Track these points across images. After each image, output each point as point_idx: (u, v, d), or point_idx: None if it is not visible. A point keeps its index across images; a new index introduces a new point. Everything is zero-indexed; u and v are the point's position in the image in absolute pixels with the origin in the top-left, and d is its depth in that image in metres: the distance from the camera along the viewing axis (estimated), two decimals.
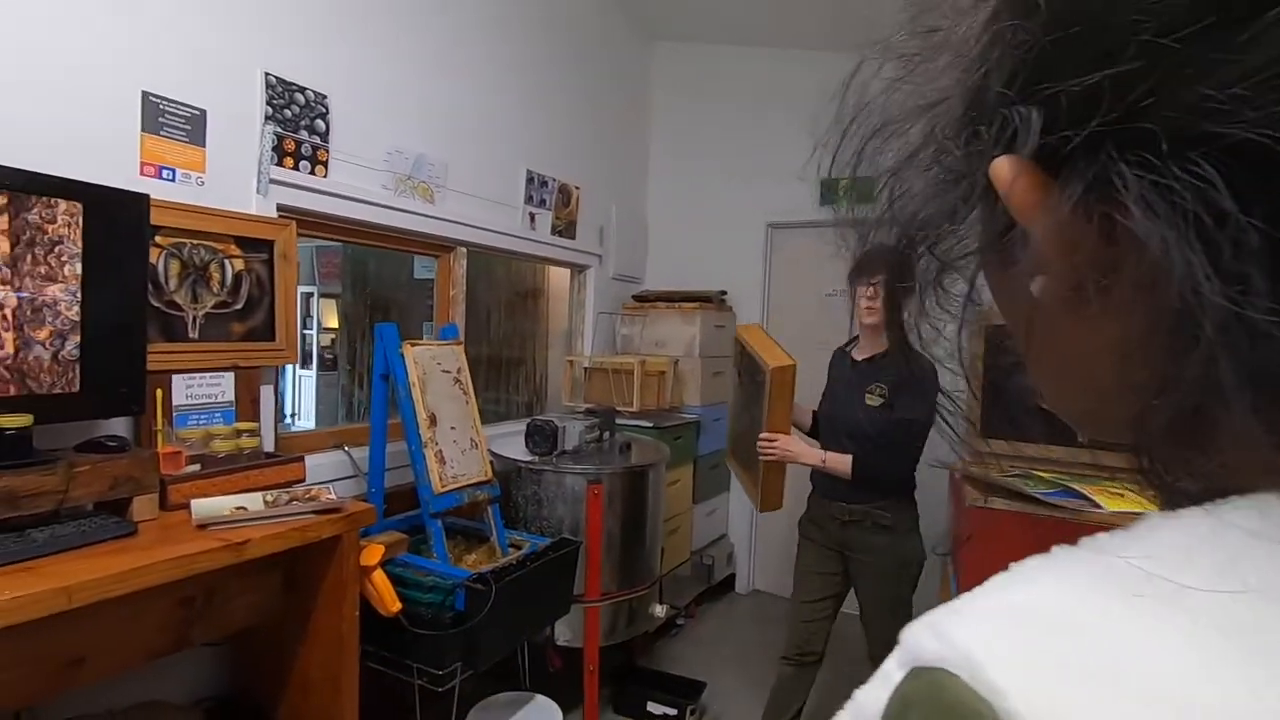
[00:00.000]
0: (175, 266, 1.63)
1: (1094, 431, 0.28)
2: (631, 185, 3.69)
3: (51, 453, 1.28)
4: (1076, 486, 1.39)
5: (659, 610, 2.52)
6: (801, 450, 1.87)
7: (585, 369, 3.23)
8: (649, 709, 2.37)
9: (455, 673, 1.71)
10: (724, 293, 3.57)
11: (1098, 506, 1.31)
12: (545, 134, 2.97)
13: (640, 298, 3.54)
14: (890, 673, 0.23)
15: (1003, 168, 0.23)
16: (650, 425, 2.96)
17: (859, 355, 1.95)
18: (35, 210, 1.27)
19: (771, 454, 1.86)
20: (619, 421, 2.85)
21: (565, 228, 3.12)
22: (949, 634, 0.21)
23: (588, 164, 3.27)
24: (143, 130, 1.58)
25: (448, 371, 2.06)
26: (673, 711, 2.35)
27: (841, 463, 1.84)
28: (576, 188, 3.16)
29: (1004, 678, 0.19)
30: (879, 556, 1.92)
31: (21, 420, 1.21)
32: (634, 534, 2.42)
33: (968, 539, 1.28)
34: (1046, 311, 0.25)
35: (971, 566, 1.30)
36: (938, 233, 0.29)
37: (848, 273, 1.95)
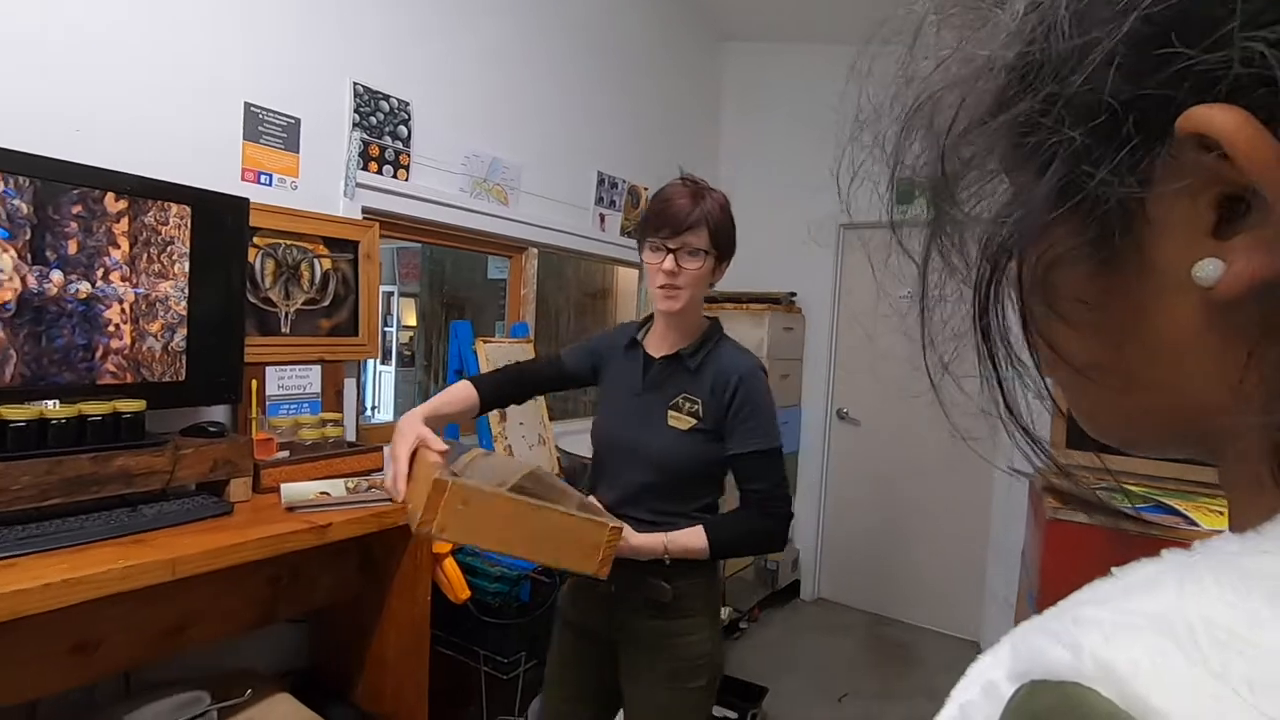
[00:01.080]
0: (270, 265, 1.74)
1: (1153, 451, 0.26)
2: None
3: (161, 436, 1.39)
4: (1172, 502, 1.30)
5: (722, 612, 2.51)
6: (638, 542, 1.15)
7: None
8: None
9: (520, 661, 1.76)
10: (793, 294, 3.51)
11: (1194, 524, 1.22)
12: (616, 136, 3.01)
13: (708, 299, 3.53)
14: (996, 684, 0.21)
15: (1227, 120, 0.19)
16: None
17: (655, 349, 1.27)
18: (151, 213, 1.39)
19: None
20: None
21: (634, 228, 3.15)
22: (1081, 644, 0.19)
23: (657, 165, 3.28)
24: (244, 138, 1.70)
25: None
26: (733, 715, 2.33)
27: (690, 542, 1.17)
28: (645, 189, 3.18)
29: (1160, 697, 0.17)
30: (648, 655, 1.23)
31: (137, 405, 1.33)
32: None
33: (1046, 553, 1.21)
34: (1209, 308, 0.21)
35: (1052, 582, 1.23)
36: (1036, 227, 0.25)
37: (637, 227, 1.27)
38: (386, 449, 1.01)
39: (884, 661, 2.97)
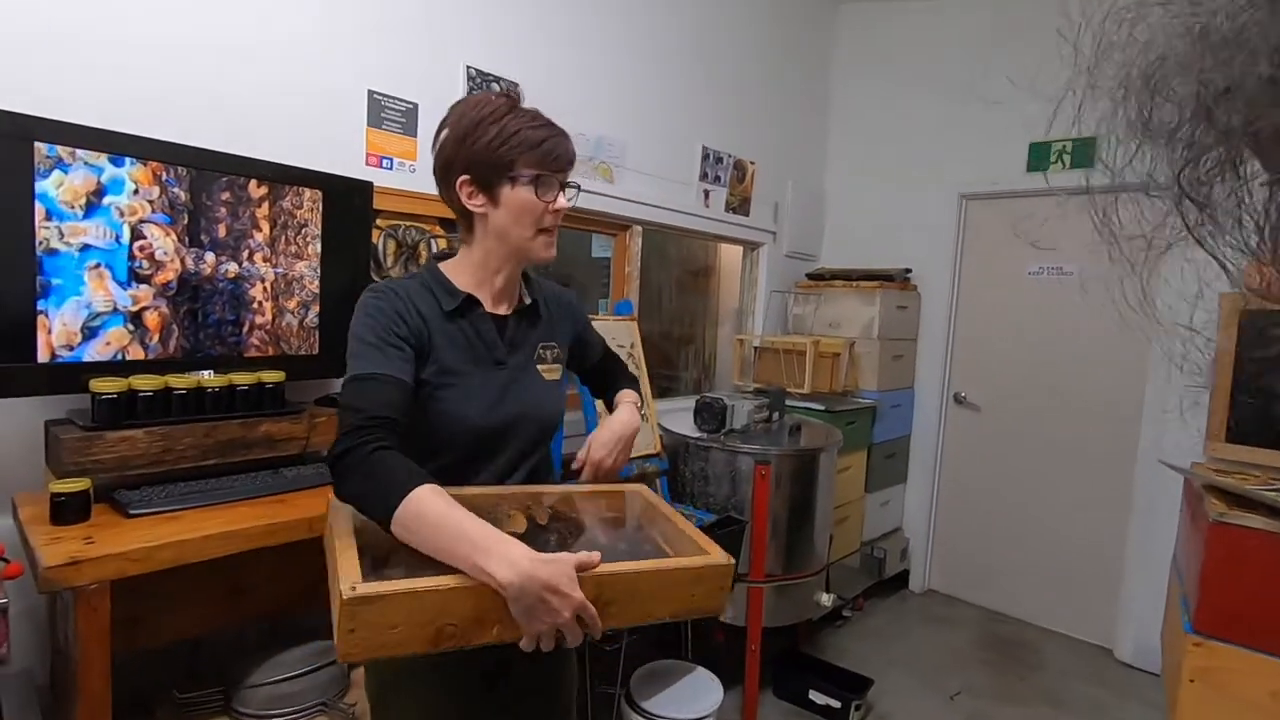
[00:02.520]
0: (391, 245, 1.84)
1: None
2: (809, 159, 3.54)
3: (297, 405, 1.51)
4: None
5: (825, 599, 2.45)
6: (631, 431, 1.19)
7: (755, 348, 3.18)
8: (811, 697, 2.32)
9: (623, 634, 1.79)
10: (908, 271, 3.33)
11: None
12: (721, 109, 2.94)
13: (815, 276, 3.41)
14: None
15: None
16: (822, 408, 2.86)
17: (494, 305, 1.06)
18: (288, 198, 1.49)
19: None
20: (789, 403, 2.79)
21: (739, 204, 3.08)
22: None
23: (764, 138, 3.19)
24: (368, 125, 1.79)
25: (621, 346, 2.13)
26: (836, 704, 2.28)
27: (635, 399, 1.26)
28: (752, 163, 3.10)
29: None
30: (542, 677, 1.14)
31: (277, 376, 1.44)
32: (801, 518, 2.37)
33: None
34: None
35: (1216, 590, 1.10)
36: None
37: (462, 165, 1.02)
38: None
39: (1001, 660, 2.80)
